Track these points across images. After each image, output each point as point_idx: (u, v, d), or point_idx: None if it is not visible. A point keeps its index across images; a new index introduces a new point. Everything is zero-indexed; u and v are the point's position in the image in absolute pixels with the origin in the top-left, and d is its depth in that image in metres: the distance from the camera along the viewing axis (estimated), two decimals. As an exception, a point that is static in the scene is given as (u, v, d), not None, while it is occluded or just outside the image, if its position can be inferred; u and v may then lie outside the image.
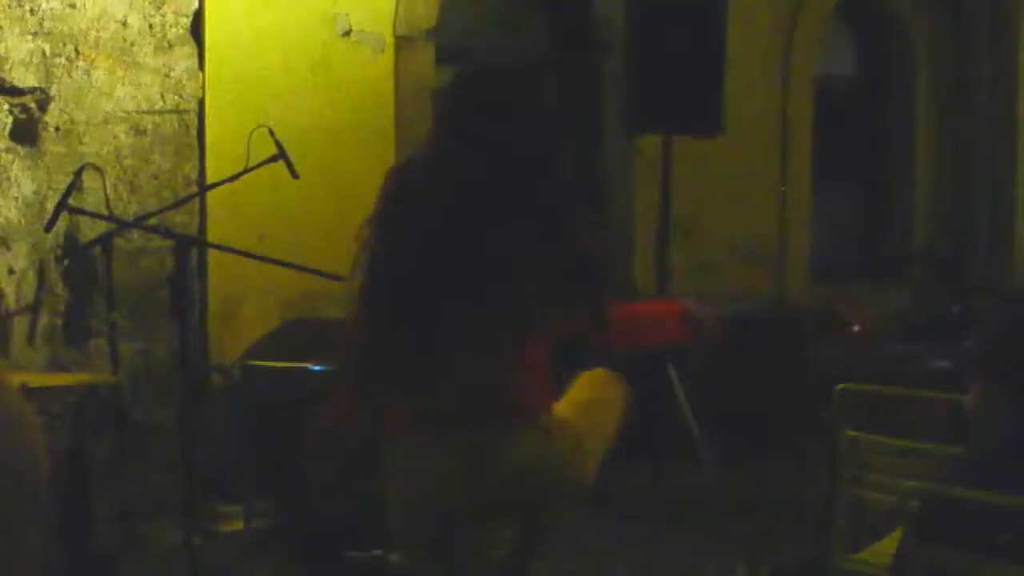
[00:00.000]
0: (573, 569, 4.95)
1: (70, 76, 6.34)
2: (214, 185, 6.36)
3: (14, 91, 6.22)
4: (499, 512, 3.43)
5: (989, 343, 3.76)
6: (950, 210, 10.54)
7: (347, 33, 7.15)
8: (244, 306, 6.88)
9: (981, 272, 10.28)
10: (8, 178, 6.21)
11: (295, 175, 6.15)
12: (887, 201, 10.60)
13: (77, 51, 6.35)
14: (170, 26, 6.59)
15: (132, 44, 6.50)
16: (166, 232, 5.68)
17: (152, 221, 6.09)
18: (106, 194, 6.34)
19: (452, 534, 3.38)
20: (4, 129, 6.22)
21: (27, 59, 6.23)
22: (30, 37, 6.23)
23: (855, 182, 10.62)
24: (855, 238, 10.66)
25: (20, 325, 6.29)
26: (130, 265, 6.53)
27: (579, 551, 5.83)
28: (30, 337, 6.30)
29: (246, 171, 6.06)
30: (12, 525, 1.33)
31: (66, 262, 6.35)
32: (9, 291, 6.25)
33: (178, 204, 6.43)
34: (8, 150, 6.22)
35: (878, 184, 10.62)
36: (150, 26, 6.53)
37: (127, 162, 6.52)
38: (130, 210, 6.48)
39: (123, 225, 6.18)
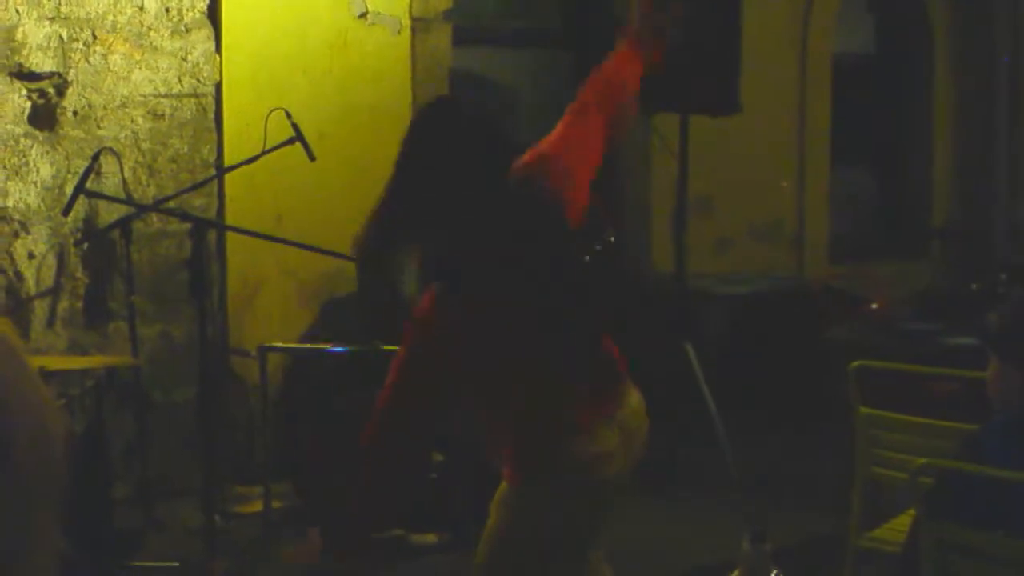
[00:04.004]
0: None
1: (87, 61, 6.37)
2: (232, 168, 6.38)
3: (32, 76, 6.25)
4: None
5: (1005, 322, 3.76)
6: (969, 187, 10.52)
7: (363, 15, 7.15)
8: (263, 288, 6.91)
9: (1000, 250, 10.25)
10: (27, 163, 6.24)
11: (312, 157, 6.17)
12: (906, 178, 10.58)
13: (94, 35, 6.37)
14: (187, 10, 6.61)
15: (149, 28, 6.52)
16: (184, 215, 5.71)
17: (170, 204, 6.13)
18: (124, 178, 6.37)
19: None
20: (22, 114, 6.25)
21: (44, 44, 6.26)
22: (47, 22, 6.26)
23: (874, 160, 10.60)
24: (873, 216, 10.64)
25: (40, 309, 6.33)
26: (149, 248, 6.56)
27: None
28: (50, 321, 6.34)
29: (264, 153, 6.08)
30: (35, 522, 1.33)
31: (85, 246, 6.38)
32: (29, 275, 6.28)
33: (196, 187, 6.45)
34: (26, 135, 6.25)
35: (897, 161, 10.60)
36: (167, 10, 6.55)
37: (145, 146, 6.54)
38: (148, 193, 6.51)
39: (142, 208, 6.21)
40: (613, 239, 3.63)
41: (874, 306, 7.74)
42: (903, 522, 4.62)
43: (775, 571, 2.70)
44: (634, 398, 3.68)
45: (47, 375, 5.18)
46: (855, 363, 4.95)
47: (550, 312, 3.48)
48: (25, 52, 6.21)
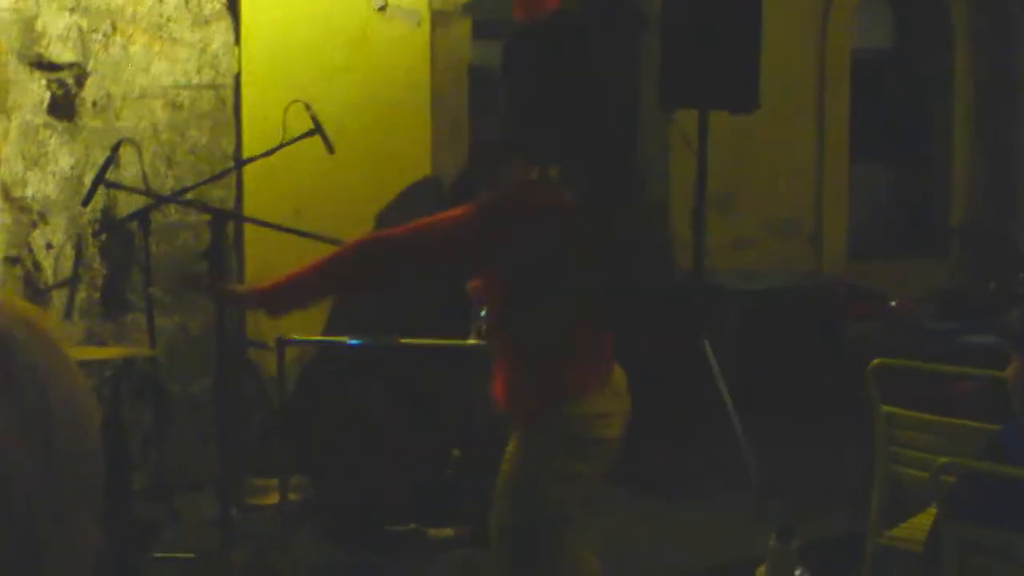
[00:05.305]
0: (603, 540, 4.96)
1: (107, 51, 6.37)
2: (251, 160, 6.37)
3: (52, 66, 6.25)
4: None
5: (1025, 320, 3.75)
6: (988, 185, 10.47)
7: (383, 8, 7.14)
8: (280, 280, 6.89)
9: (1020, 248, 10.21)
10: (46, 153, 6.25)
11: (331, 150, 6.16)
12: (925, 176, 10.54)
13: (114, 26, 6.37)
14: (206, 1, 6.61)
15: (169, 19, 6.52)
16: (203, 206, 5.71)
17: (189, 195, 6.12)
18: (143, 169, 6.36)
19: None
20: (42, 104, 6.25)
21: (64, 34, 6.26)
22: (67, 12, 6.26)
23: (893, 157, 10.56)
24: (892, 213, 10.60)
25: (58, 299, 6.33)
26: (167, 239, 6.56)
27: (609, 523, 5.84)
28: (68, 311, 6.34)
29: (282, 145, 6.07)
30: (72, 516, 1.31)
31: (103, 236, 6.39)
32: (47, 265, 6.29)
33: (215, 178, 6.44)
34: (46, 125, 6.26)
35: (916, 159, 10.55)
36: (186, 1, 6.55)
37: (164, 137, 6.55)
38: (167, 184, 6.51)
39: (160, 199, 6.21)
40: None
41: (892, 304, 7.71)
42: (923, 520, 4.60)
43: (800, 569, 2.69)
44: (618, 376, 3.76)
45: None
46: (875, 362, 4.93)
47: (612, 271, 3.63)
48: (45, 42, 6.21)
